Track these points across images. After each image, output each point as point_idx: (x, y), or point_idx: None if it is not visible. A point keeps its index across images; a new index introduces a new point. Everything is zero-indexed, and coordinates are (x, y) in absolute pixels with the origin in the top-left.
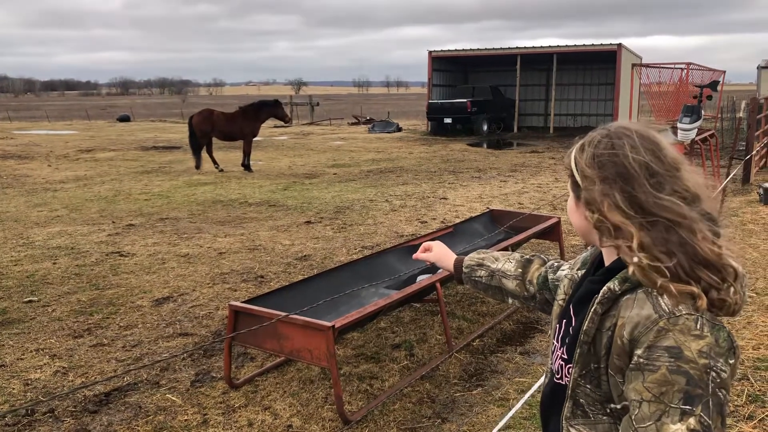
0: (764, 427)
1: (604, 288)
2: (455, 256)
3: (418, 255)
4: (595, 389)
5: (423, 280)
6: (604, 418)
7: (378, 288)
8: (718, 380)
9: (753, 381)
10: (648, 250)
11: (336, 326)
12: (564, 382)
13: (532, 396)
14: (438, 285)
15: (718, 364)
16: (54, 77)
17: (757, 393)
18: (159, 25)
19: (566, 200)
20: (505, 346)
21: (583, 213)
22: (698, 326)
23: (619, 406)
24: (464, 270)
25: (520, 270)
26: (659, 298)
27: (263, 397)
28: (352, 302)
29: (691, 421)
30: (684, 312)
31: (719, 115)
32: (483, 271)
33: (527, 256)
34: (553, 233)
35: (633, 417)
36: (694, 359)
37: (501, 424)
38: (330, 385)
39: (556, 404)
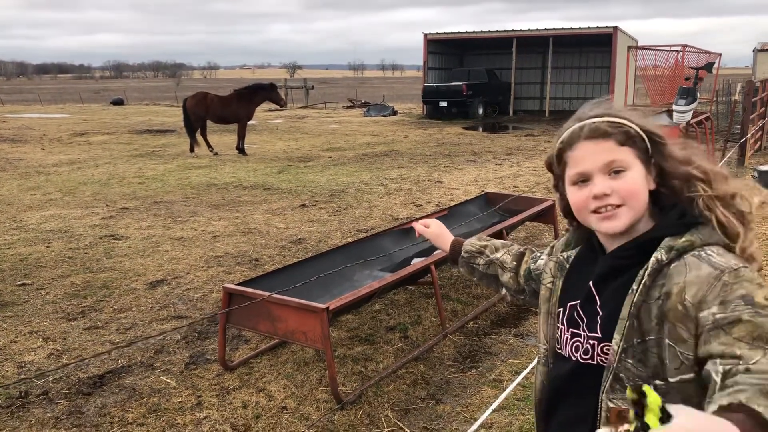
0: None
1: (652, 259)
2: (452, 237)
3: (418, 228)
4: (636, 364)
5: (417, 262)
6: None
7: (372, 270)
8: None
9: None
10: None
11: (330, 308)
12: (596, 362)
13: (526, 378)
14: (432, 267)
15: None
16: (47, 60)
17: None
18: (153, 8)
19: None
20: (499, 328)
21: (653, 177)
22: (755, 276)
23: (674, 379)
24: (463, 255)
25: (515, 263)
26: (711, 257)
27: (257, 379)
28: (346, 285)
29: None
30: (741, 264)
31: (714, 99)
32: (482, 260)
33: (521, 249)
34: (547, 216)
35: (747, 368)
36: (765, 305)
37: (495, 405)
38: (324, 367)
39: (576, 385)
